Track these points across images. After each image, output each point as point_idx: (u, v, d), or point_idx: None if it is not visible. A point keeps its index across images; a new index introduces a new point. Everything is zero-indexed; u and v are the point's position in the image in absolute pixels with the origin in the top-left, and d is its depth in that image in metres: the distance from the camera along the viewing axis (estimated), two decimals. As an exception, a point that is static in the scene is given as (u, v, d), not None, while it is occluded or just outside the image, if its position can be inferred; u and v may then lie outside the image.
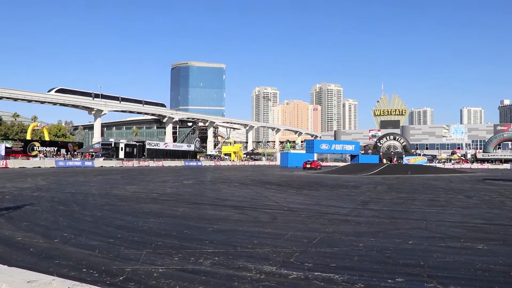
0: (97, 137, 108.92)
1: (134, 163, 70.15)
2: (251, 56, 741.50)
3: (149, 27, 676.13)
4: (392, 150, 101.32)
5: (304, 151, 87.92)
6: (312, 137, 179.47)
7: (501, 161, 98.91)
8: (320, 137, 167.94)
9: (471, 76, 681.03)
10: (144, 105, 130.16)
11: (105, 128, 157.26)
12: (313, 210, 13.84)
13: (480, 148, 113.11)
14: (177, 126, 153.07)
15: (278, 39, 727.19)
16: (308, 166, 61.29)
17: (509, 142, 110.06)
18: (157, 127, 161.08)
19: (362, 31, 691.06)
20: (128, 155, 74.22)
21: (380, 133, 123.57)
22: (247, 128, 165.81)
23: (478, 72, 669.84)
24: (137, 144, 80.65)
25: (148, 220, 10.91)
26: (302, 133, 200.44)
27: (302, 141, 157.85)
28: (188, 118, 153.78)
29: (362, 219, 11.67)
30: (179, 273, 5.95)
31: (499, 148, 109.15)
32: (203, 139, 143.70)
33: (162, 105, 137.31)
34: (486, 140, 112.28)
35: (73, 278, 5.08)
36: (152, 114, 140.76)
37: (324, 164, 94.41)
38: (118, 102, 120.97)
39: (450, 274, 6.19)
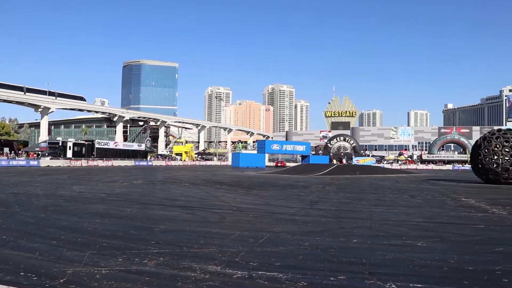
0: (43, 136, 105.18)
1: (82, 162, 68.43)
2: (204, 55, 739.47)
3: (100, 24, 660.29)
4: (342, 151, 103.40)
5: (255, 152, 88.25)
6: (264, 137, 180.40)
7: (444, 162, 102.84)
8: (272, 138, 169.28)
9: (418, 81, 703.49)
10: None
11: (52, 127, 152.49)
12: (261, 210, 13.94)
13: (426, 150, 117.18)
14: (128, 125, 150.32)
15: (231, 39, 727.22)
16: (279, 165, 77.26)
17: (452, 144, 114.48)
18: (107, 126, 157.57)
19: (313, 33, 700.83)
20: (77, 155, 72.31)
21: (330, 134, 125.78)
22: (199, 128, 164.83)
23: (424, 77, 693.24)
24: (86, 143, 78.76)
25: (94, 221, 10.68)
26: (254, 133, 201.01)
27: (254, 142, 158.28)
28: (139, 117, 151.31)
29: (309, 219, 11.86)
30: (122, 274, 5.85)
31: (442, 149, 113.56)
32: (154, 139, 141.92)
33: (81, 99, 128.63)
34: (431, 142, 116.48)
35: (9, 283, 4.92)
36: (103, 113, 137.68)
37: (275, 164, 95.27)
38: (65, 99, 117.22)
39: (390, 271, 6.40)
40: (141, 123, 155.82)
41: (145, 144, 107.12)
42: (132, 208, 13.60)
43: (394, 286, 5.54)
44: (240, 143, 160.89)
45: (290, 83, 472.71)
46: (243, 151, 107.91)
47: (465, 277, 6.13)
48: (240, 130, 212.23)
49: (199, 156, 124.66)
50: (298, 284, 5.57)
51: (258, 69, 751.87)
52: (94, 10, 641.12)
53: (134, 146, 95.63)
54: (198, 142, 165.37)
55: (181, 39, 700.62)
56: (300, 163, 79.34)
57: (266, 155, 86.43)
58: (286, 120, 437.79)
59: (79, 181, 27.51)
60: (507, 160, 29.63)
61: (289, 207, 14.84)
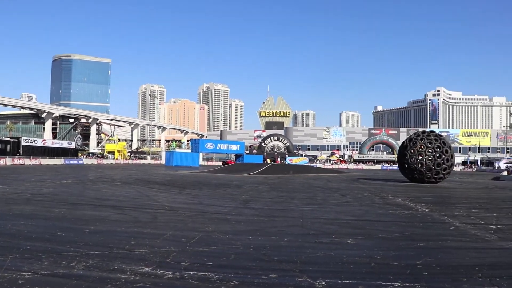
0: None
1: (7, 161, 64.99)
2: (139, 52, 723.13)
3: (28, 14, 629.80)
4: (276, 150, 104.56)
5: (189, 151, 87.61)
6: (198, 136, 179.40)
7: (374, 161, 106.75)
8: (206, 137, 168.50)
9: (349, 83, 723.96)
10: (20, 99, 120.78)
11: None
12: (194, 209, 13.87)
13: (357, 150, 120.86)
14: (58, 122, 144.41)
15: (166, 36, 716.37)
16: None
17: (381, 145, 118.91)
18: (35, 123, 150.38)
19: (248, 32, 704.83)
20: (1, 152, 68.75)
21: (265, 134, 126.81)
22: (133, 126, 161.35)
23: (356, 79, 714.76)
24: (11, 140, 75.05)
25: (18, 222, 10.18)
26: (188, 132, 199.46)
27: (188, 140, 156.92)
28: (69, 114, 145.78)
29: (242, 218, 11.93)
30: (47, 279, 5.63)
31: (372, 149, 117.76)
32: (86, 137, 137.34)
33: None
34: (362, 143, 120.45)
35: None
36: (30, 108, 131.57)
37: (209, 163, 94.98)
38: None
39: (320, 268, 6.58)
40: (71, 120, 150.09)
41: (76, 142, 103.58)
42: (61, 208, 13.09)
43: (323, 283, 5.70)
44: (174, 142, 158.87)
45: (225, 82, 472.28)
46: (177, 150, 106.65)
47: (390, 272, 6.42)
48: (174, 128, 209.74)
49: (132, 155, 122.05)
50: (229, 283, 5.60)
51: (193, 67, 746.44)
52: (23, 2, 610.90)
53: (64, 144, 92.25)
54: (131, 140, 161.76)
55: (114, 34, 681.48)
56: (234, 162, 79.52)
57: (200, 154, 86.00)
58: (221, 119, 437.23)
59: (3, 181, 26.14)
60: (430, 160, 31.17)
61: (222, 206, 14.85)
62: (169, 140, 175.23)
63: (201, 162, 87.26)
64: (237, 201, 16.78)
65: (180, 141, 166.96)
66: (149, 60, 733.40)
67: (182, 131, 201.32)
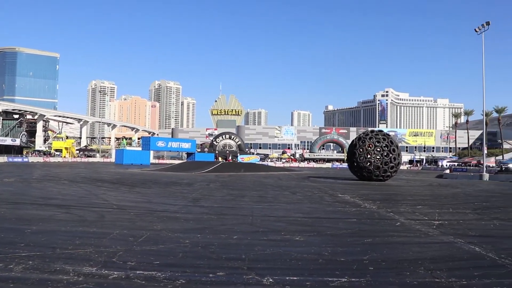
0: None
1: None
2: (89, 47, 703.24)
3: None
4: (227, 148, 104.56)
5: (140, 148, 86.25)
6: (149, 134, 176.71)
7: (325, 160, 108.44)
8: (158, 135, 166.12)
9: (301, 83, 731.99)
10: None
11: None
12: (143, 208, 13.63)
13: (308, 149, 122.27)
14: (1, 118, 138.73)
15: (118, 31, 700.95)
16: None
17: (331, 144, 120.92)
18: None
19: (202, 30, 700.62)
20: None
21: (216, 132, 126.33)
22: (81, 123, 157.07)
23: (307, 79, 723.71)
24: (-51, 137, 71.62)
25: (-46, 223, 9.70)
26: (139, 129, 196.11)
27: (139, 138, 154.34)
28: (14, 110, 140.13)
29: (191, 216, 11.84)
30: (-17, 281, 5.37)
31: (323, 148, 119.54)
32: (32, 133, 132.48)
33: None
34: (313, 141, 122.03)
35: None
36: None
37: (160, 161, 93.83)
38: None
39: (268, 265, 6.60)
40: (16, 116, 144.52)
41: (21, 139, 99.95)
42: (1, 208, 12.55)
43: (271, 280, 5.71)
44: (124, 140, 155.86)
45: (177, 80, 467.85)
46: (128, 148, 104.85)
47: (337, 267, 6.53)
48: (125, 126, 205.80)
49: (81, 153, 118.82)
50: (176, 282, 5.52)
51: (145, 64, 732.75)
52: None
53: (8, 141, 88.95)
54: (80, 138, 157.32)
55: (64, 28, 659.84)
56: (185, 161, 78.91)
57: (151, 152, 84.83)
58: (173, 117, 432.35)
59: None
60: (378, 159, 31.94)
61: (172, 204, 14.69)
62: (119, 138, 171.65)
63: (152, 160, 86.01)
64: (187, 199, 16.63)
65: (130, 138, 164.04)
66: (100, 56, 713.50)
67: (132, 128, 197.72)
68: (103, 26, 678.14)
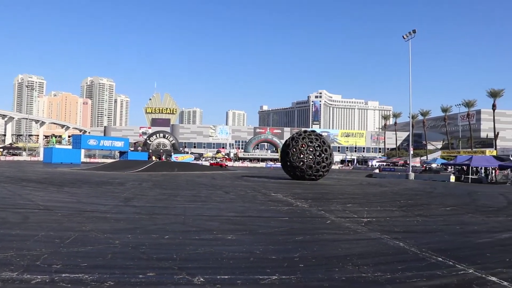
0: None
1: None
2: (16, 39, 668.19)
3: None
4: (161, 147, 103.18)
5: (71, 147, 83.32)
6: (80, 132, 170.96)
7: (259, 160, 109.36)
8: (89, 133, 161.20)
9: (236, 82, 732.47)
10: None
11: None
12: (72, 208, 13.15)
13: (242, 148, 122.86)
14: None
15: (48, 24, 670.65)
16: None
17: (266, 143, 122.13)
18: None
19: (137, 26, 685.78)
20: None
21: (150, 131, 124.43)
22: (6, 119, 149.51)
23: (242, 79, 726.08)
24: None
25: None
26: (70, 127, 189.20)
27: (69, 136, 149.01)
28: None
29: (122, 216, 11.57)
30: None
31: (257, 148, 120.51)
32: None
33: None
34: (247, 141, 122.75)
35: None
36: None
37: (92, 160, 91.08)
38: None
39: (199, 264, 6.57)
40: None
41: None
42: None
43: (202, 279, 5.69)
44: (54, 138, 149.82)
45: (110, 77, 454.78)
46: (57, 146, 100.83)
47: (268, 265, 6.61)
48: (55, 123, 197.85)
49: (5, 151, 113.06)
50: (104, 284, 5.38)
51: (76, 59, 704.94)
52: None
53: None
54: (5, 135, 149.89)
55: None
56: (118, 160, 77.07)
57: (83, 150, 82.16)
58: (105, 115, 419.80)
59: None
60: (311, 158, 32.62)
61: (102, 204, 14.28)
62: (48, 136, 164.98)
63: (83, 159, 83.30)
64: (118, 199, 16.23)
65: (60, 136, 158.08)
66: (28, 49, 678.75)
67: (63, 126, 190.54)
68: (32, 18, 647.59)
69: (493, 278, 6.23)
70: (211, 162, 64.54)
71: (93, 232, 8.93)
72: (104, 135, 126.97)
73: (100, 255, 6.96)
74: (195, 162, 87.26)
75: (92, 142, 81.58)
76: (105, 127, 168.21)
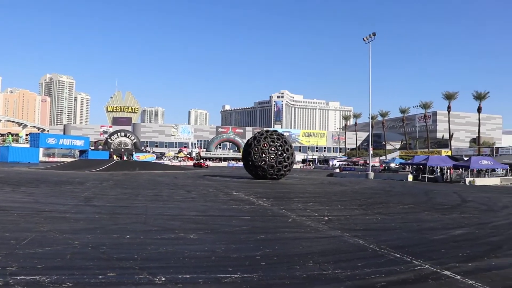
0: None
1: None
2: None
3: None
4: (123, 146, 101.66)
5: (28, 145, 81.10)
6: (39, 130, 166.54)
7: (221, 159, 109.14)
8: (48, 131, 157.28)
9: (198, 82, 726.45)
10: None
11: None
12: (29, 208, 12.83)
13: (204, 147, 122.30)
14: None
15: (3, 17, 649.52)
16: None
17: (228, 143, 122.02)
18: None
19: (98, 22, 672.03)
20: None
21: (111, 130, 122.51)
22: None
23: (204, 78, 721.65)
24: None
25: None
26: (27, 125, 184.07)
27: (27, 134, 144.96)
28: None
29: (82, 216, 11.37)
30: None
31: (219, 147, 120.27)
32: None
33: None
34: (209, 140, 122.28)
35: None
36: None
37: (50, 159, 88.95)
38: None
39: (161, 264, 6.54)
40: None
41: None
42: None
43: (163, 279, 5.67)
44: (10, 136, 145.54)
45: (70, 74, 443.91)
46: (14, 145, 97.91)
47: (230, 264, 6.65)
48: (11, 121, 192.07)
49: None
50: (62, 285, 5.27)
51: (35, 55, 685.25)
52: None
53: None
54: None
55: None
56: (78, 159, 75.53)
57: (41, 149, 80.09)
58: (65, 113, 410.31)
59: None
60: (272, 158, 32.83)
61: (61, 204, 13.99)
62: (4, 134, 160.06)
63: (42, 158, 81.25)
64: (78, 198, 15.93)
65: (17, 135, 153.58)
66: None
67: (20, 124, 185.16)
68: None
69: (447, 273, 6.48)
70: (195, 162, 64.02)
71: (51, 232, 8.75)
72: (64, 133, 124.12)
73: (59, 256, 6.82)
74: (157, 161, 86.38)
75: (51, 140, 79.69)
76: (64, 125, 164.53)
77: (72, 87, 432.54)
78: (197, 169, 64.67)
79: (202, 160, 73.41)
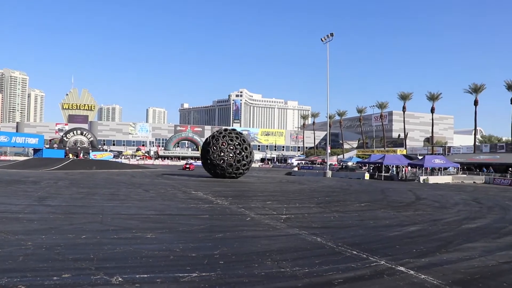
0: None
1: None
2: None
3: None
4: (79, 145, 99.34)
5: (-23, 144, 78.14)
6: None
7: (179, 158, 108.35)
8: (0, 129, 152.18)
9: (156, 79, 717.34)
10: None
11: None
12: (-21, 209, 12.41)
13: (162, 146, 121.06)
14: None
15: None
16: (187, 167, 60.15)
17: (186, 141, 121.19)
18: None
19: (52, 19, 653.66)
20: None
21: (67, 127, 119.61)
22: None
23: (162, 76, 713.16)
24: None
25: None
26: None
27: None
28: None
29: (36, 216, 11.09)
30: None
31: (178, 146, 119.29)
32: None
33: None
34: (168, 139, 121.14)
35: None
36: None
37: (2, 158, 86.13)
38: None
39: (118, 264, 6.46)
40: None
41: None
42: None
43: (120, 279, 5.61)
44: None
45: (23, 70, 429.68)
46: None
47: (188, 263, 6.64)
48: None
49: None
50: (14, 288, 5.14)
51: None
52: None
53: None
54: None
55: None
56: (31, 157, 73.35)
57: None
58: (18, 110, 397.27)
59: None
60: (231, 156, 32.85)
61: (14, 204, 13.58)
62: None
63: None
64: (31, 198, 15.51)
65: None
66: None
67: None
68: None
69: (402, 268, 6.69)
70: (184, 165, 62.42)
71: (2, 234, 8.48)
72: (17, 131, 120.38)
73: (11, 258, 6.62)
74: (114, 160, 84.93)
75: (3, 138, 76.71)
76: (17, 123, 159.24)
77: (26, 83, 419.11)
78: (155, 168, 63.87)
79: (192, 161, 71.77)
